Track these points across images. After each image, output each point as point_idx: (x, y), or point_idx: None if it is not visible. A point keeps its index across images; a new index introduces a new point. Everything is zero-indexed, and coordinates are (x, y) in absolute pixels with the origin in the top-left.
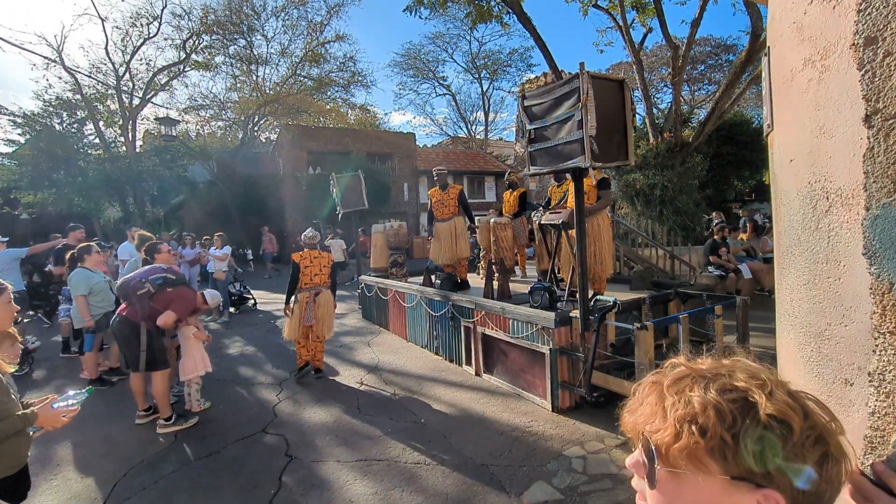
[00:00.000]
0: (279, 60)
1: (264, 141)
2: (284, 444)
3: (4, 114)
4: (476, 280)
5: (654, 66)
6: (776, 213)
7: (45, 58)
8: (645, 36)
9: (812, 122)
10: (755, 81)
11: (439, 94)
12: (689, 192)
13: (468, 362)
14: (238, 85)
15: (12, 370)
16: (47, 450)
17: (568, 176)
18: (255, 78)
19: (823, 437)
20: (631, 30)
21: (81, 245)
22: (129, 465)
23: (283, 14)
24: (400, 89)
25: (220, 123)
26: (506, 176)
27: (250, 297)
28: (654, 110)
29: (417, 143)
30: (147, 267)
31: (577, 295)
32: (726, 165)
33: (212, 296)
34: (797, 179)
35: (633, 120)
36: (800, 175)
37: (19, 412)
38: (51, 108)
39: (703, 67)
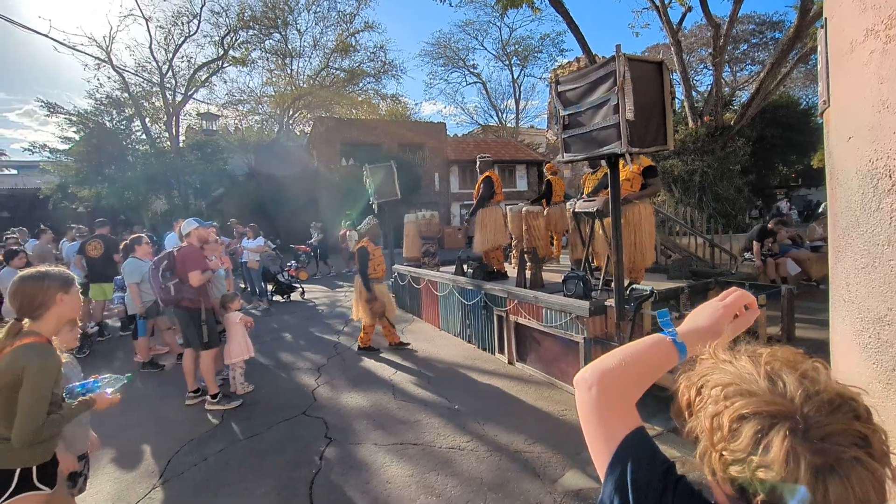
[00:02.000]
0: (312, 53)
1: (299, 134)
2: (324, 426)
3: (61, 113)
4: (509, 270)
5: (693, 47)
6: (831, 195)
7: (96, 58)
8: (684, 16)
9: (874, 96)
10: (803, 60)
11: (470, 83)
12: (730, 178)
13: (501, 351)
14: (273, 79)
15: (65, 359)
16: (107, 429)
17: (603, 163)
18: (289, 72)
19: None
20: (668, 9)
21: (133, 236)
22: (181, 443)
23: (314, 6)
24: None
25: (256, 117)
26: (544, 167)
27: (298, 286)
28: (694, 93)
29: (448, 132)
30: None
31: (613, 284)
32: (770, 149)
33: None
34: (856, 157)
35: (672, 103)
36: (859, 152)
37: (80, 399)
38: (102, 107)
39: (745, 47)
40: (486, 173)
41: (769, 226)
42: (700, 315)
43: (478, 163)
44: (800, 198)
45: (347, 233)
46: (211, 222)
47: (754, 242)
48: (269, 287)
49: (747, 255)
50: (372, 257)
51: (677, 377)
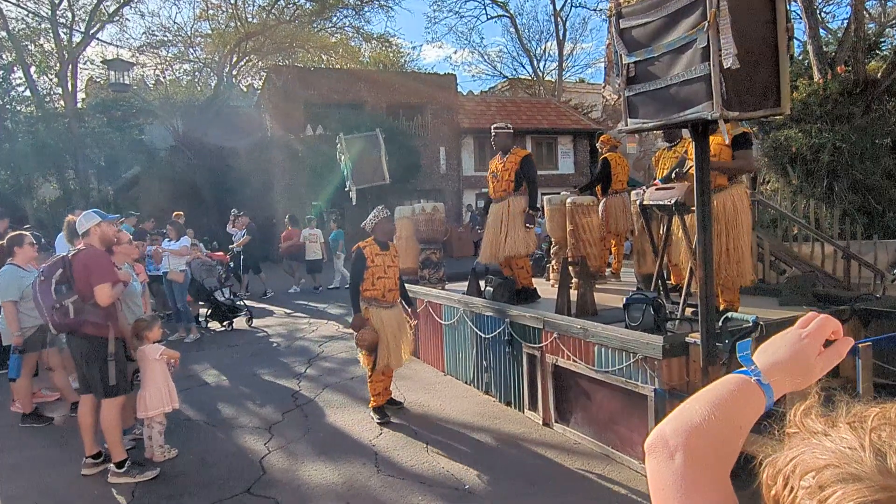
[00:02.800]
0: None
1: (245, 90)
2: None
3: None
4: (546, 288)
5: None
6: None
7: None
8: None
9: None
10: None
11: (491, 18)
12: (877, 158)
13: (533, 406)
14: (210, 12)
15: None
16: None
17: (685, 133)
18: (232, 2)
19: None
20: None
21: (12, 234)
22: None
23: None
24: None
25: (186, 66)
26: (597, 140)
27: (243, 309)
28: (822, 32)
29: (460, 89)
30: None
31: (699, 311)
32: None
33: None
34: None
35: (790, 47)
36: None
37: None
38: None
39: None
40: (520, 152)
41: None
42: (778, 347)
43: (493, 136)
44: None
45: (308, 231)
46: (120, 216)
47: None
48: (202, 310)
49: None
50: (371, 265)
51: (759, 461)
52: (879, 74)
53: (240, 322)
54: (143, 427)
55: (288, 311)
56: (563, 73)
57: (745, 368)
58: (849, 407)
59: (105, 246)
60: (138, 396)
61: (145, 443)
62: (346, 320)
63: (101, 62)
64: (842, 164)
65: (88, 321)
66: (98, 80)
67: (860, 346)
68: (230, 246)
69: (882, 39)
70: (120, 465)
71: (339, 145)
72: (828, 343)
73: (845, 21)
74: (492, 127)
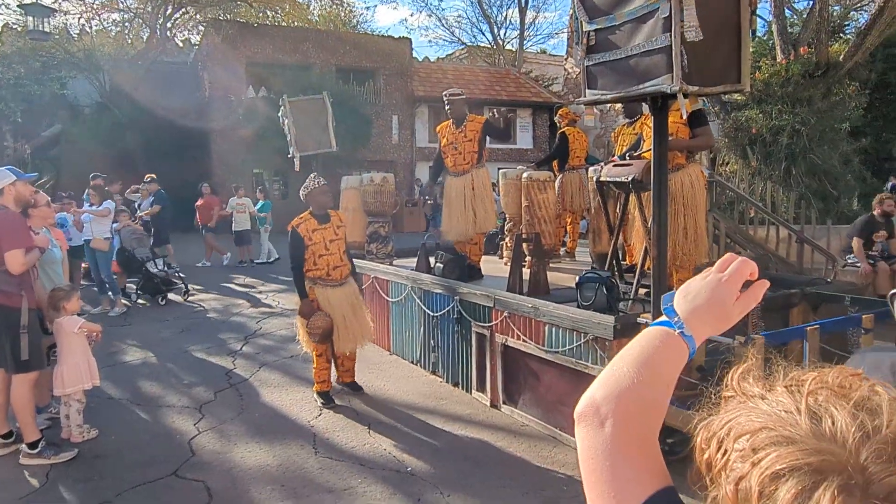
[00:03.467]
0: None
1: (181, 45)
2: (206, 494)
3: None
4: (496, 265)
5: None
6: None
7: None
8: None
9: None
10: None
11: None
12: (835, 143)
13: (480, 387)
14: None
15: None
16: None
17: (645, 108)
18: None
19: None
20: None
21: None
22: None
23: None
24: None
25: (115, 16)
26: (556, 114)
27: (178, 282)
28: (788, 12)
29: (416, 54)
30: None
31: (651, 291)
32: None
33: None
34: None
35: (752, 22)
36: None
37: None
38: None
39: None
40: (478, 119)
41: (876, 212)
42: (695, 292)
43: (448, 105)
44: None
45: (235, 200)
46: (38, 175)
47: (855, 239)
48: (132, 282)
49: (850, 257)
50: (310, 243)
51: (693, 424)
52: (841, 57)
53: (176, 295)
54: (60, 405)
55: (225, 285)
56: (525, 42)
57: (667, 319)
58: (787, 371)
59: (20, 208)
60: (55, 372)
61: (62, 422)
62: (287, 296)
63: (18, 6)
64: (800, 147)
65: None
66: (15, 26)
67: (808, 329)
68: (136, 215)
69: (846, 22)
70: (33, 445)
71: (282, 108)
72: (745, 289)
73: (811, 2)
74: (444, 94)
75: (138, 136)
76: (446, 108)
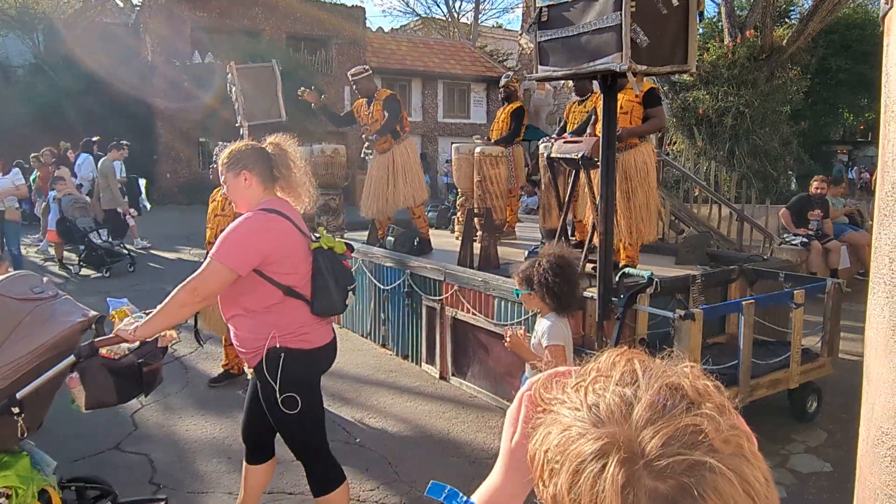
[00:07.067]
0: None
1: (122, 4)
2: (149, 467)
3: None
4: (447, 240)
5: None
6: (884, 134)
7: None
8: None
9: None
10: None
11: None
12: (776, 124)
13: (430, 360)
14: None
15: None
16: None
17: (596, 86)
18: None
19: None
20: None
21: None
22: None
23: None
24: None
25: None
26: (501, 82)
27: (125, 252)
28: None
29: (369, 24)
30: None
31: (597, 266)
32: (834, 87)
33: None
34: None
35: (700, 3)
36: None
37: None
38: None
39: None
40: (383, 93)
41: (811, 191)
42: None
43: (354, 84)
44: (867, 158)
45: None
46: None
47: (784, 210)
48: (70, 250)
49: (787, 235)
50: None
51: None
52: (785, 42)
53: (121, 267)
54: None
55: (172, 257)
56: (480, 16)
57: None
58: (581, 368)
59: None
60: None
61: None
62: None
63: None
64: (744, 128)
65: None
66: None
67: (744, 303)
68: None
69: (792, 7)
70: None
71: (229, 75)
72: None
73: None
74: (349, 73)
75: (74, 101)
76: (354, 87)
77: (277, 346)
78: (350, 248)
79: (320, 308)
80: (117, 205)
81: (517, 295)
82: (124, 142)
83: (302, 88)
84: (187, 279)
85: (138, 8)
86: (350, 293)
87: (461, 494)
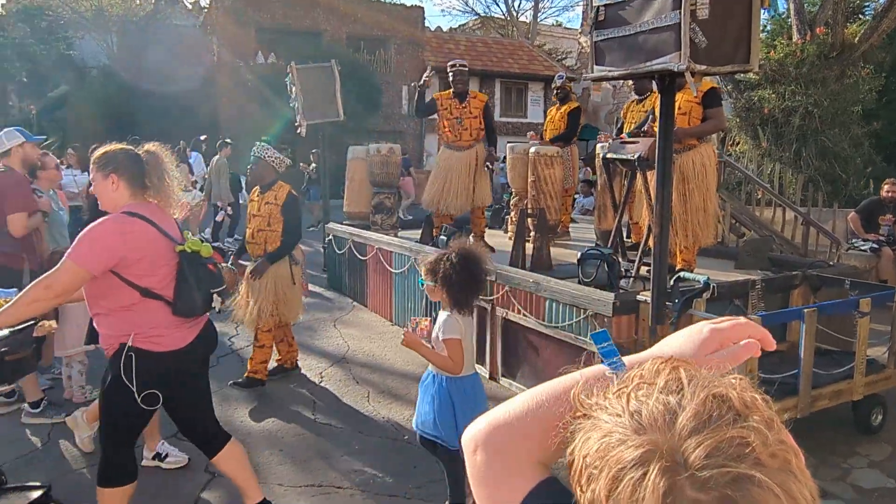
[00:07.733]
0: None
1: (190, 7)
2: (203, 456)
3: None
4: (501, 240)
5: None
6: None
7: None
8: None
9: None
10: None
11: None
12: (847, 125)
13: (480, 359)
14: None
15: None
16: None
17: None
18: None
19: None
20: None
21: None
22: None
23: None
24: None
25: None
26: (556, 82)
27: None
28: None
29: (428, 23)
30: None
31: (652, 269)
32: None
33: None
34: None
35: (765, 1)
36: None
37: None
38: None
39: None
40: (480, 96)
41: (885, 192)
42: (674, 338)
43: (453, 76)
44: None
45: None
46: (45, 137)
47: (853, 214)
48: None
49: (856, 241)
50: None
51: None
52: (857, 39)
53: None
54: (62, 366)
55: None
56: (539, 14)
57: (607, 361)
58: (625, 375)
59: (27, 170)
60: (57, 334)
61: (64, 383)
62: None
63: None
64: (812, 129)
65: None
66: None
67: (806, 311)
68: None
69: (865, 4)
70: (35, 405)
71: (290, 75)
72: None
73: None
74: (450, 64)
75: (144, 100)
76: (452, 78)
77: (129, 344)
78: (221, 252)
79: (181, 309)
80: (228, 200)
81: (422, 284)
82: (227, 139)
83: (431, 71)
84: (43, 276)
85: (205, 10)
86: (215, 296)
87: (619, 357)
